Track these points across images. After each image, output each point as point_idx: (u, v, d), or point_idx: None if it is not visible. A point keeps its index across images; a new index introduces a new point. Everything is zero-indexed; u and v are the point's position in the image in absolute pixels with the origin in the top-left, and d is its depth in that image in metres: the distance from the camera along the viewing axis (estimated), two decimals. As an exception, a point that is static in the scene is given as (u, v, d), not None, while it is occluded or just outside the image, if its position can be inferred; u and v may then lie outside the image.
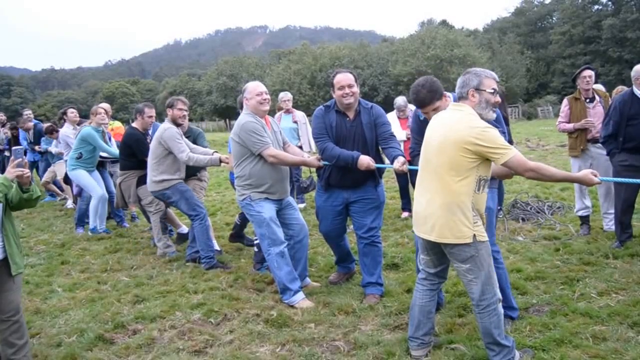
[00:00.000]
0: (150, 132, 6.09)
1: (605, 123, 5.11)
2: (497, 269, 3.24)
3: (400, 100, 7.33)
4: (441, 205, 2.83)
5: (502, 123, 5.85)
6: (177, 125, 5.34)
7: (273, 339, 3.48)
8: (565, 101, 5.81)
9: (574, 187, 5.88)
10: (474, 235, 2.82)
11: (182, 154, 5.10)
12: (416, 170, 3.17)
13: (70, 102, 77.91)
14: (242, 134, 4.17)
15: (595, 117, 5.50)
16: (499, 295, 2.92)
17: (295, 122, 7.89)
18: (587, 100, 5.59)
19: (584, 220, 5.72)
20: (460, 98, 2.95)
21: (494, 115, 2.97)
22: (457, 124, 2.82)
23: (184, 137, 5.39)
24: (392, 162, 3.94)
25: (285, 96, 7.94)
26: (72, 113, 7.90)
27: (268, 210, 4.21)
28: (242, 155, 4.22)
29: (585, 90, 5.56)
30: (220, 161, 5.11)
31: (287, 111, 7.97)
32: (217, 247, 5.66)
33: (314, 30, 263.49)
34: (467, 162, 2.76)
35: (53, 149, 9.11)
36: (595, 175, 2.91)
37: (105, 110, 7.12)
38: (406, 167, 3.86)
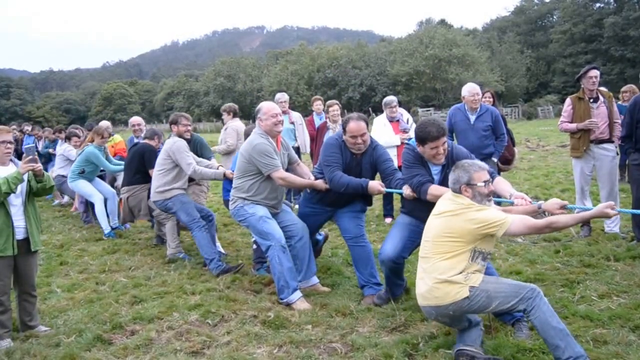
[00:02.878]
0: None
1: (621, 124, 5.43)
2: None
3: (390, 98, 7.05)
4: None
5: (500, 123, 5.93)
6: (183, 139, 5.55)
7: (270, 341, 3.50)
8: (568, 101, 5.79)
9: (575, 188, 5.88)
10: (469, 287, 2.96)
11: (188, 167, 5.31)
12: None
13: (69, 104, 78.18)
14: (253, 154, 4.29)
15: (599, 117, 5.50)
16: (524, 296, 2.90)
17: (292, 123, 7.86)
18: (591, 101, 5.58)
19: (585, 222, 5.72)
20: (454, 192, 3.17)
21: (492, 204, 3.16)
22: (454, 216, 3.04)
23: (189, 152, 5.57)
24: (401, 188, 4.01)
25: (282, 97, 7.85)
26: (76, 142, 8.10)
27: (260, 209, 4.33)
28: (246, 172, 4.37)
29: (590, 91, 5.56)
30: (225, 176, 5.28)
31: (284, 112, 7.80)
32: (221, 250, 5.72)
33: (312, 31, 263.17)
34: (463, 245, 2.99)
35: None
36: (613, 208, 2.95)
37: (108, 133, 7.52)
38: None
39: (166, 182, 5.41)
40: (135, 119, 7.64)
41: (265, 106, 4.45)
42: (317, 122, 7.65)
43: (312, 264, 4.52)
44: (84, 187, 7.16)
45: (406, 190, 3.87)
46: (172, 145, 5.40)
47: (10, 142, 3.70)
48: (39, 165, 3.63)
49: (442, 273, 2.99)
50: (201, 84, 61.48)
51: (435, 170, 3.76)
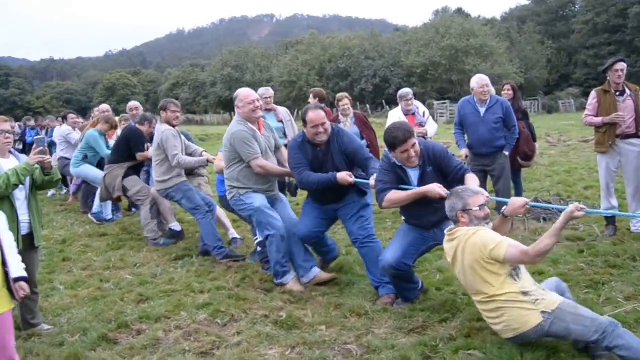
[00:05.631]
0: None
1: None
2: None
3: (405, 90, 7.01)
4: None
5: (512, 114, 5.86)
6: (172, 126, 5.71)
7: (282, 342, 3.50)
8: (593, 94, 5.73)
9: (601, 185, 5.81)
10: (540, 313, 3.00)
11: (173, 158, 5.50)
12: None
13: (70, 94, 78.72)
14: (233, 142, 4.51)
15: (626, 111, 5.43)
16: (601, 323, 2.90)
17: (280, 121, 7.19)
18: (617, 94, 5.52)
19: (610, 220, 5.65)
20: (453, 222, 3.31)
21: (489, 226, 3.27)
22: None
23: (181, 136, 5.81)
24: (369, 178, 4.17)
25: (267, 92, 7.05)
26: (72, 119, 8.76)
27: (258, 199, 4.53)
28: (232, 160, 4.58)
29: (616, 84, 5.50)
30: (208, 161, 5.60)
31: (269, 109, 7.09)
32: (236, 235, 6.05)
33: (323, 19, 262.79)
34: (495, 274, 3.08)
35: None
36: (580, 210, 2.99)
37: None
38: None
39: (164, 171, 5.63)
40: (133, 103, 7.83)
41: (242, 93, 4.65)
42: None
43: (307, 256, 4.62)
44: (89, 171, 7.41)
45: (372, 181, 4.03)
46: (162, 135, 5.56)
47: (8, 132, 3.68)
48: (48, 158, 3.61)
49: (503, 303, 3.07)
50: (208, 75, 61.54)
51: (414, 174, 3.84)
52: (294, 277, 4.49)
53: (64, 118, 8.67)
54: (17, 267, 2.97)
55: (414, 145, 3.67)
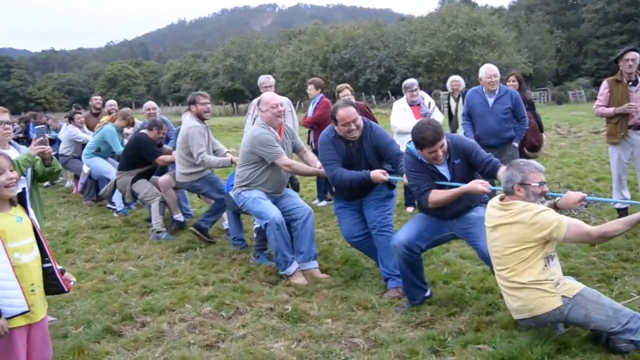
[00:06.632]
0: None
1: None
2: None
3: (410, 80, 6.94)
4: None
5: (521, 105, 5.81)
6: (202, 119, 5.69)
7: (288, 335, 3.49)
8: (605, 83, 5.69)
9: (612, 176, 5.77)
10: (561, 297, 3.00)
11: (198, 157, 5.49)
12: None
13: (72, 85, 78.79)
14: (255, 144, 4.57)
15: (638, 101, 5.38)
16: (625, 314, 2.93)
17: None
18: (630, 84, 5.47)
19: (622, 213, 5.61)
20: (507, 193, 3.21)
21: (545, 204, 3.20)
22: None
23: (208, 132, 5.76)
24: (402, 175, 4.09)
25: (267, 81, 6.96)
26: (79, 119, 8.82)
27: (256, 192, 4.63)
28: (247, 161, 4.66)
29: (628, 74, 5.46)
30: (232, 162, 5.46)
31: None
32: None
33: (326, 9, 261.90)
34: (533, 252, 3.05)
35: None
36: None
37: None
38: None
39: (190, 164, 5.63)
40: (150, 104, 7.66)
41: (265, 97, 4.75)
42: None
43: (313, 247, 4.66)
44: (101, 164, 7.54)
45: (405, 179, 3.98)
46: (188, 131, 5.54)
47: (8, 123, 3.66)
48: (49, 148, 3.63)
49: (526, 284, 3.05)
50: (210, 65, 61.47)
51: (443, 169, 3.76)
52: (298, 268, 4.51)
53: (71, 118, 8.73)
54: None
55: (442, 146, 3.59)
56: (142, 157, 6.35)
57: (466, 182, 3.61)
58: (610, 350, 2.99)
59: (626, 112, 5.40)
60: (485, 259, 3.57)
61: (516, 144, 5.90)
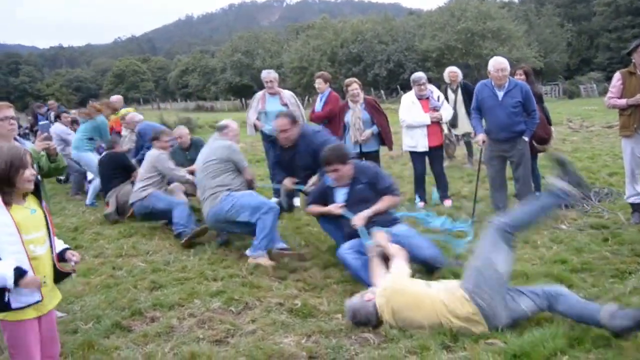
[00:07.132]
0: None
1: None
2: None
3: (418, 74, 6.86)
4: None
5: (531, 98, 5.75)
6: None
7: (298, 330, 3.49)
8: (617, 75, 5.61)
9: (625, 171, 5.70)
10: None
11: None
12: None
13: (80, 81, 79.25)
14: (231, 154, 5.27)
15: None
16: None
17: (285, 104, 7.11)
18: (643, 76, 5.39)
19: (636, 207, 5.55)
20: None
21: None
22: None
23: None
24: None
25: (268, 76, 6.98)
26: (65, 117, 9.23)
27: (245, 191, 5.23)
28: (225, 170, 5.20)
29: None
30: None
31: (273, 93, 7.18)
32: None
33: (334, 3, 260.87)
34: None
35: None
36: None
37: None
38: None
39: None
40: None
41: (232, 125, 5.66)
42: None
43: (274, 233, 5.09)
44: (92, 160, 7.81)
45: (306, 187, 5.27)
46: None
47: (13, 118, 3.63)
48: (53, 144, 3.69)
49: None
50: (217, 61, 61.47)
51: (342, 192, 4.56)
52: (265, 254, 4.88)
53: (58, 117, 9.12)
54: (58, 243, 2.87)
55: (335, 170, 4.41)
56: (126, 168, 7.06)
57: (365, 204, 4.37)
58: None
59: (639, 103, 5.33)
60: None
61: (526, 138, 5.84)
